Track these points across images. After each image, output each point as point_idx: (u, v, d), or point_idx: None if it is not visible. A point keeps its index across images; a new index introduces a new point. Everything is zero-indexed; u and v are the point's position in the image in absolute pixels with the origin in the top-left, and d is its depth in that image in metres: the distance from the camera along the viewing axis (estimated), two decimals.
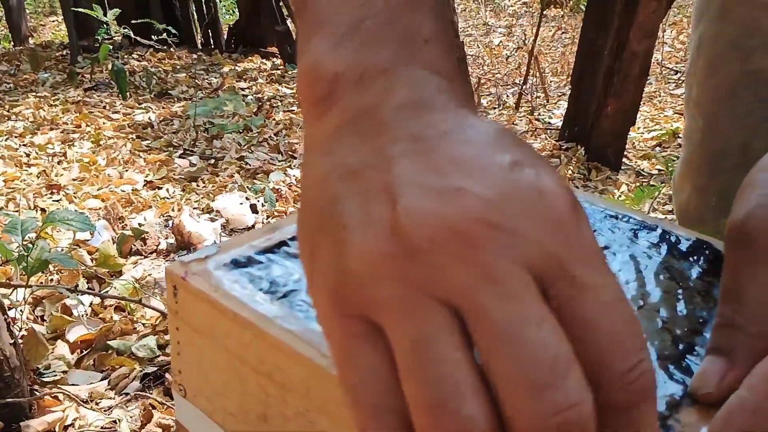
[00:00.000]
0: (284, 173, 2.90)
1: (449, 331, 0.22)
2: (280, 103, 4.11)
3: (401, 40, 0.29)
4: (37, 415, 1.45)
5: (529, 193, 0.23)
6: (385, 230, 0.23)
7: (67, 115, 3.67)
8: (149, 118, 3.68)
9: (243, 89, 4.41)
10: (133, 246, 2.22)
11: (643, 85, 3.06)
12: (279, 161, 3.11)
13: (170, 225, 2.37)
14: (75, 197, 2.60)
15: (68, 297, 1.77)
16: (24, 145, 3.21)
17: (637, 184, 2.87)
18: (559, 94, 4.44)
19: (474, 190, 0.22)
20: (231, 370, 0.33)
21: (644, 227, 0.41)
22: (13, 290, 1.76)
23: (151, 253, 2.22)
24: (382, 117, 0.26)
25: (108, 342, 1.70)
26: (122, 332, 1.75)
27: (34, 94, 4.14)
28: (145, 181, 2.81)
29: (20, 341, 1.51)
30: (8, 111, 3.73)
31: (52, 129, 3.43)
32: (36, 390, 1.51)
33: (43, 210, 2.43)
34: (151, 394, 1.54)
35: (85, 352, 1.69)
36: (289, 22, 5.17)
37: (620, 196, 2.74)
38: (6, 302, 1.64)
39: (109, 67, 3.54)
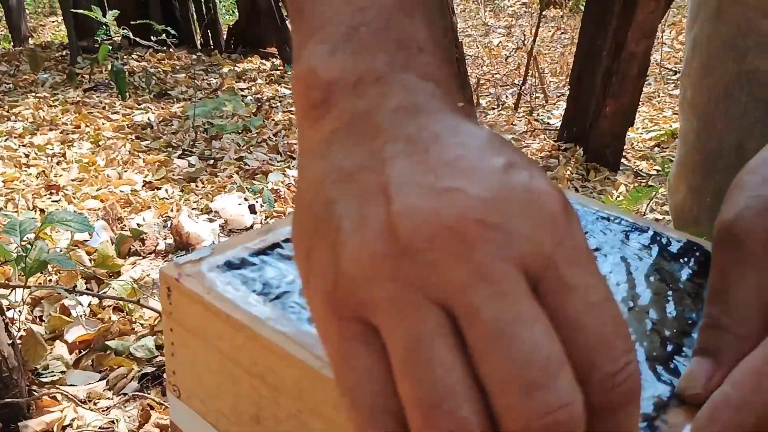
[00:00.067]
0: (283, 174, 2.90)
1: (444, 332, 0.22)
2: (279, 104, 4.11)
3: (396, 47, 0.29)
4: (36, 416, 1.44)
5: (523, 194, 0.23)
6: (380, 231, 0.23)
7: (67, 116, 3.67)
8: (148, 119, 3.68)
9: (242, 90, 4.40)
10: (131, 246, 2.21)
11: (641, 86, 3.06)
12: (278, 162, 3.11)
13: (169, 225, 2.37)
14: (74, 198, 2.60)
15: (67, 297, 1.78)
16: (23, 145, 3.21)
17: (636, 184, 2.87)
18: (558, 94, 4.43)
19: (469, 190, 0.23)
20: (224, 372, 0.33)
21: (636, 229, 0.41)
22: (12, 291, 1.76)
23: (149, 253, 2.22)
24: (378, 120, 0.26)
25: (106, 342, 1.70)
26: (120, 333, 1.75)
27: (33, 94, 4.13)
28: (144, 181, 2.81)
29: (19, 341, 1.51)
30: (8, 111, 3.72)
31: (51, 129, 3.43)
32: (34, 390, 1.51)
33: (42, 210, 2.43)
34: (149, 394, 1.54)
35: (83, 353, 1.69)
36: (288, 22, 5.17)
37: (618, 196, 2.74)
38: (4, 303, 1.65)
39: (109, 67, 3.55)
